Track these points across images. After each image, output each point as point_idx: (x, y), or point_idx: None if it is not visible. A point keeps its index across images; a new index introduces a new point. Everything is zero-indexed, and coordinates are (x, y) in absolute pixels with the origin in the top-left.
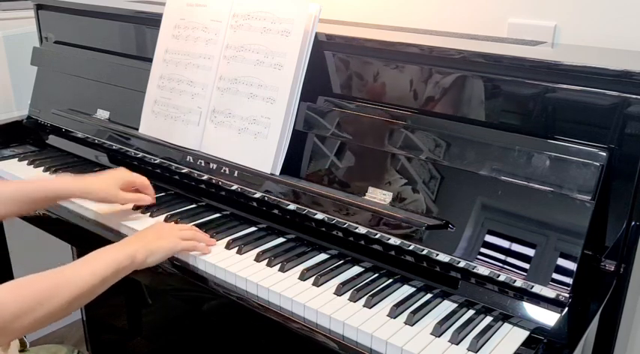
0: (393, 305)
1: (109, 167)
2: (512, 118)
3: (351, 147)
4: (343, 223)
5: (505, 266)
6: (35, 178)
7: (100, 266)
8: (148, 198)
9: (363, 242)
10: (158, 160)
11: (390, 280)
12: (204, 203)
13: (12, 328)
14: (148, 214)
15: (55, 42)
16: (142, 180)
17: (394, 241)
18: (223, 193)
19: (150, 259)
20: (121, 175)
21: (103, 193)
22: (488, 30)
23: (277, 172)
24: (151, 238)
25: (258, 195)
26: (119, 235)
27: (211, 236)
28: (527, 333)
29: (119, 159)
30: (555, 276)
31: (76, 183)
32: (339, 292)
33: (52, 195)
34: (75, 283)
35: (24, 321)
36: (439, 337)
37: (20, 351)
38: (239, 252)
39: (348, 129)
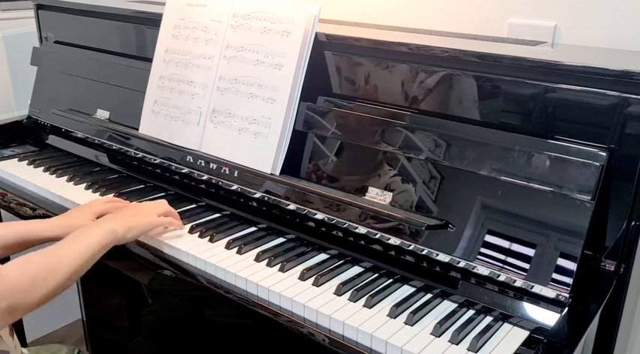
0: (393, 305)
1: (109, 167)
2: (513, 118)
3: (351, 147)
4: (343, 223)
5: (505, 266)
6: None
7: (90, 242)
8: None
9: (363, 242)
10: (158, 160)
11: (390, 280)
12: (204, 203)
13: (24, 304)
14: None
15: (55, 42)
16: (110, 205)
17: (394, 241)
18: (223, 193)
19: (129, 235)
20: (94, 209)
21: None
22: (488, 30)
23: (277, 172)
24: (129, 215)
25: (258, 195)
26: None
27: (211, 236)
28: (527, 333)
29: (119, 159)
30: (555, 276)
31: (52, 224)
32: (339, 292)
33: (22, 239)
34: (72, 257)
35: (34, 295)
36: (439, 337)
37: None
38: (239, 252)
39: (348, 129)
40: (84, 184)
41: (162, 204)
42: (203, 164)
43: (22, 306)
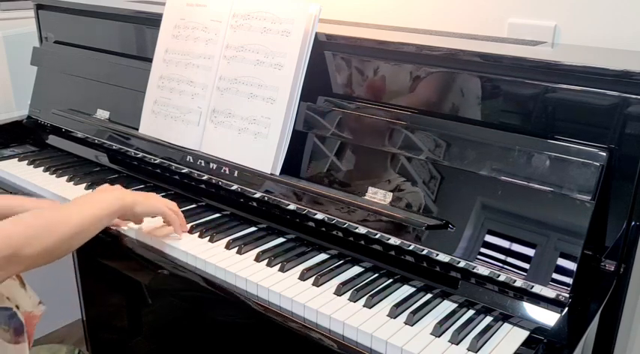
0: (393, 305)
1: (109, 167)
2: (513, 118)
3: (351, 147)
4: (343, 223)
5: (505, 266)
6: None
7: (97, 208)
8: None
9: (363, 242)
10: (158, 160)
11: (390, 280)
12: (204, 203)
13: (23, 255)
14: None
15: (55, 42)
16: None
17: (394, 241)
18: (223, 193)
19: (137, 208)
20: None
21: None
22: (488, 30)
23: (277, 172)
24: (140, 194)
25: (258, 195)
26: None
27: (211, 236)
28: (527, 333)
29: (119, 159)
30: (555, 276)
31: None
32: (339, 292)
33: None
34: (77, 218)
35: (34, 248)
36: (439, 337)
37: None
38: (239, 252)
39: (348, 129)
40: (84, 184)
41: (174, 203)
42: (203, 164)
43: (21, 257)
